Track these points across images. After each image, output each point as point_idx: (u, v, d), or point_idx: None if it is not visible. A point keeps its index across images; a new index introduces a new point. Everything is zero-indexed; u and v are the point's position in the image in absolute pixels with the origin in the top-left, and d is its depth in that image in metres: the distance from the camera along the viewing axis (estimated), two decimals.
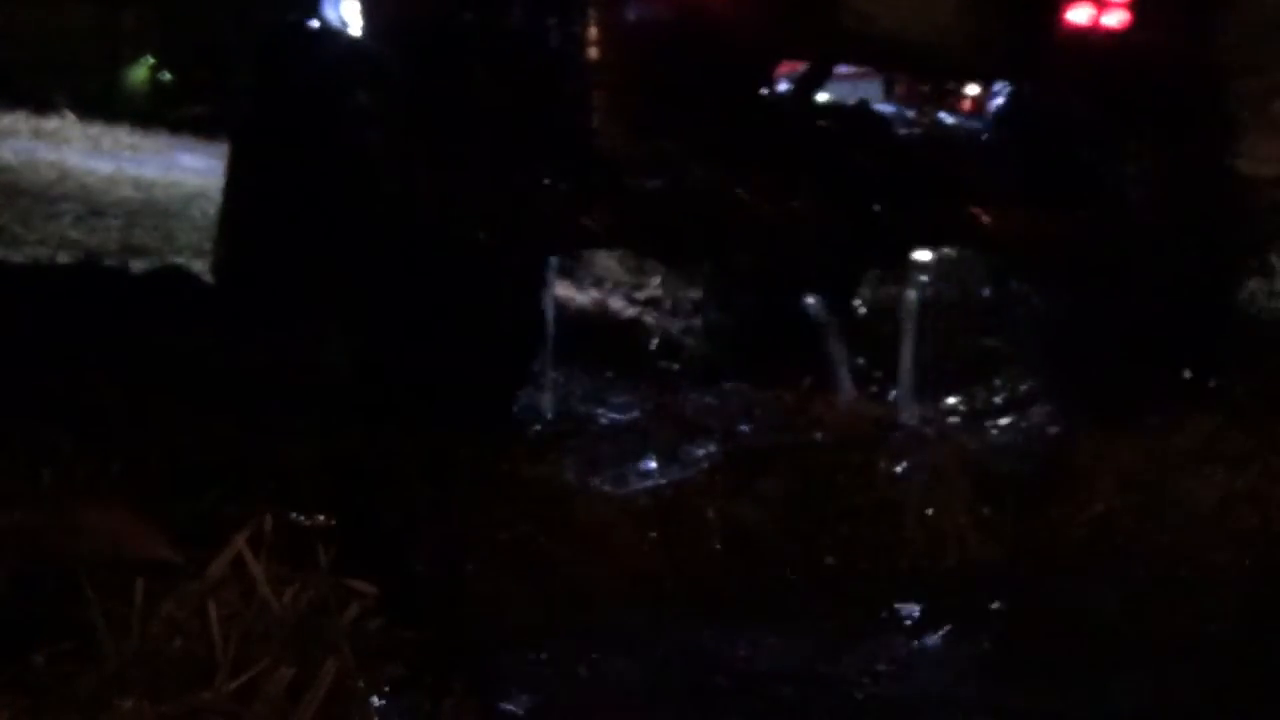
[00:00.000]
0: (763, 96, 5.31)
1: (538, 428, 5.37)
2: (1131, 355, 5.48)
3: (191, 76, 16.35)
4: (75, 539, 3.12)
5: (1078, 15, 5.34)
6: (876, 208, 5.32)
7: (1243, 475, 4.85)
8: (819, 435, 5.07)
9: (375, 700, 2.99)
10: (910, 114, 5.68)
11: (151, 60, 16.73)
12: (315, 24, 5.91)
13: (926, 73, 5.67)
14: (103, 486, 3.55)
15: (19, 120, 11.93)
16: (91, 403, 4.31)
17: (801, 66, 5.44)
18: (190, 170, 10.79)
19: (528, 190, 4.79)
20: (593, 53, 4.95)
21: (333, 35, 5.82)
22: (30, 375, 4.48)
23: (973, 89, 5.86)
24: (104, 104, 14.29)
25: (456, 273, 4.75)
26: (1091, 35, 5.34)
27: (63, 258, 7.25)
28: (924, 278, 5.79)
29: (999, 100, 5.69)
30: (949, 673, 3.95)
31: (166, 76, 16.68)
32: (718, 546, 4.41)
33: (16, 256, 7.22)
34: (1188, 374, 5.43)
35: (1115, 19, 5.36)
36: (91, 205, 8.53)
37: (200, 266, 7.29)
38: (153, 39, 16.98)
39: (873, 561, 4.52)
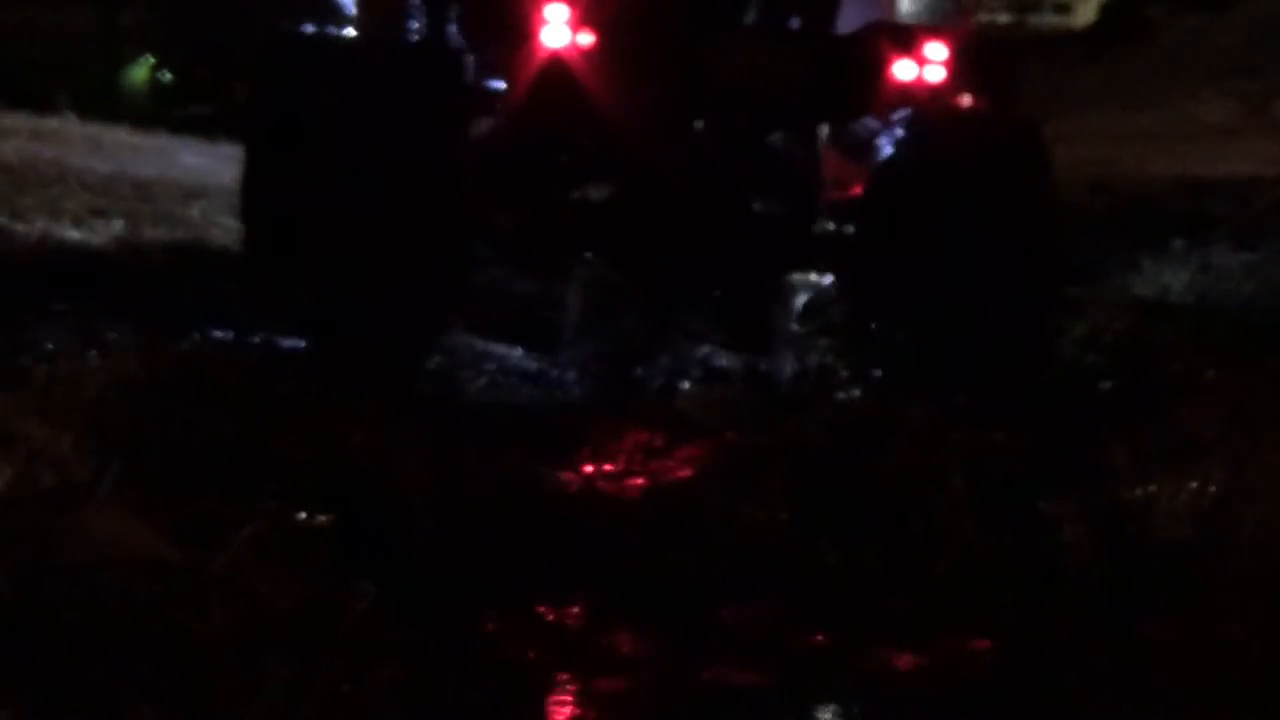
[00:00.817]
0: (661, 131, 6.23)
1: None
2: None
3: (191, 76, 16.37)
4: (75, 539, 3.12)
5: (903, 72, 6.26)
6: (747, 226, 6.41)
7: (1242, 475, 4.85)
8: None
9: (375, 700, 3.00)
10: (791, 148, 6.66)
11: (151, 60, 16.75)
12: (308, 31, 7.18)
13: (784, 119, 6.59)
14: (102, 487, 3.55)
15: (19, 120, 11.91)
16: (92, 403, 4.31)
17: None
18: (190, 170, 10.78)
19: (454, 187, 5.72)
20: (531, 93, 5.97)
21: (318, 44, 6.93)
22: (31, 374, 4.49)
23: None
24: (104, 104, 14.29)
25: (397, 246, 5.67)
26: (914, 88, 6.26)
27: (63, 257, 7.25)
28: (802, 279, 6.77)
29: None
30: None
31: (166, 76, 16.70)
32: None
33: (17, 256, 7.22)
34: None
35: (935, 75, 6.28)
36: (91, 205, 8.52)
37: (200, 265, 7.31)
38: (153, 39, 17.00)
39: None
